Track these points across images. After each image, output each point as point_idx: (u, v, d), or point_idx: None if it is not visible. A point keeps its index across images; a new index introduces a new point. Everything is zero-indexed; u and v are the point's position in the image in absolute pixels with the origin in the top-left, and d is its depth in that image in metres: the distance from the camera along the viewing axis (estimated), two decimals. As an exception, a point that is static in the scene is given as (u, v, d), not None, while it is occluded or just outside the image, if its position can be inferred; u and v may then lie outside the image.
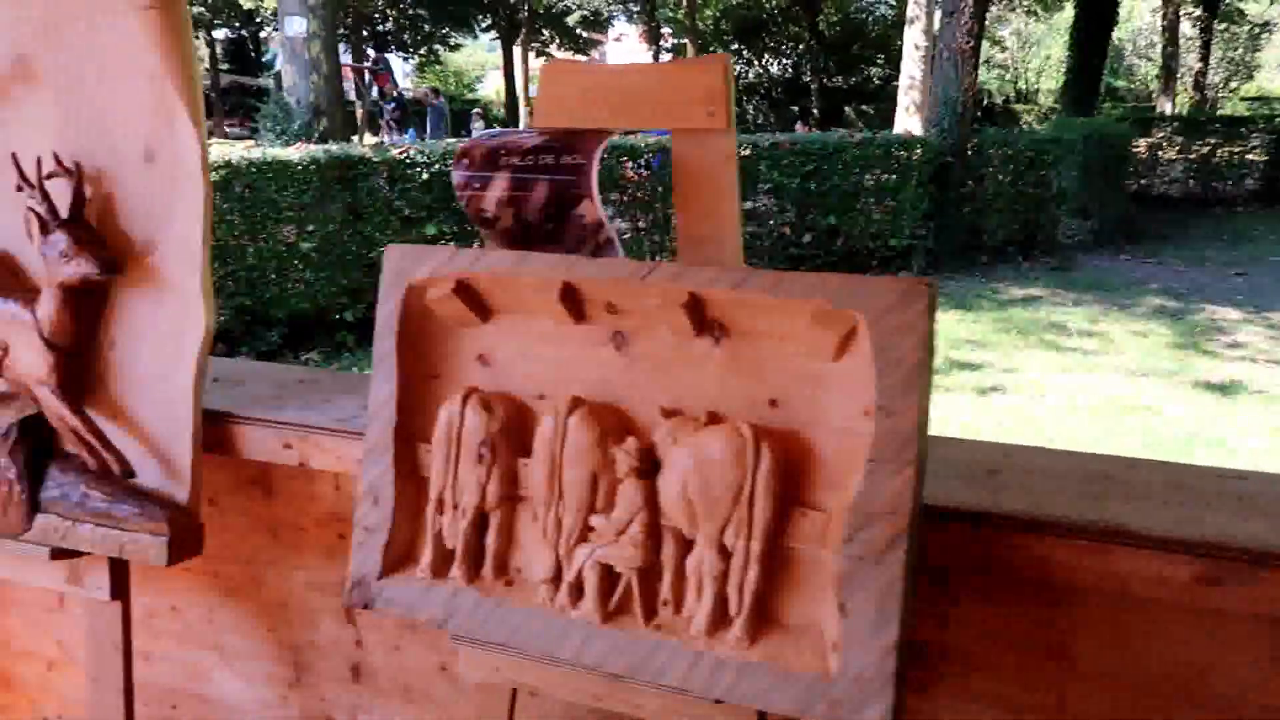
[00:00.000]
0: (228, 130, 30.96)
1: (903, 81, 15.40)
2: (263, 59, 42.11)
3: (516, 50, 40.59)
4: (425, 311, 1.41)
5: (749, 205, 9.33)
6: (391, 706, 1.84)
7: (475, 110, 29.23)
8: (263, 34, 39.46)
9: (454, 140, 8.73)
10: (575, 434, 1.29)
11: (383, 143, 14.38)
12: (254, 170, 7.24)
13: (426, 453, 1.41)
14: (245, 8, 31.57)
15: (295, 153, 7.20)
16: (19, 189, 1.67)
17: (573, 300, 1.32)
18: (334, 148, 7.62)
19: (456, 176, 1.36)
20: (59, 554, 1.67)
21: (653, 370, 1.31)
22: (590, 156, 1.27)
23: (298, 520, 1.81)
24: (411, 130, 21.09)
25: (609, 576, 1.28)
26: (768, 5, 40.21)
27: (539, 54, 44.38)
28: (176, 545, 1.60)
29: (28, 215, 1.62)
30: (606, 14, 43.12)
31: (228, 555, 1.89)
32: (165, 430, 1.65)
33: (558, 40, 45.24)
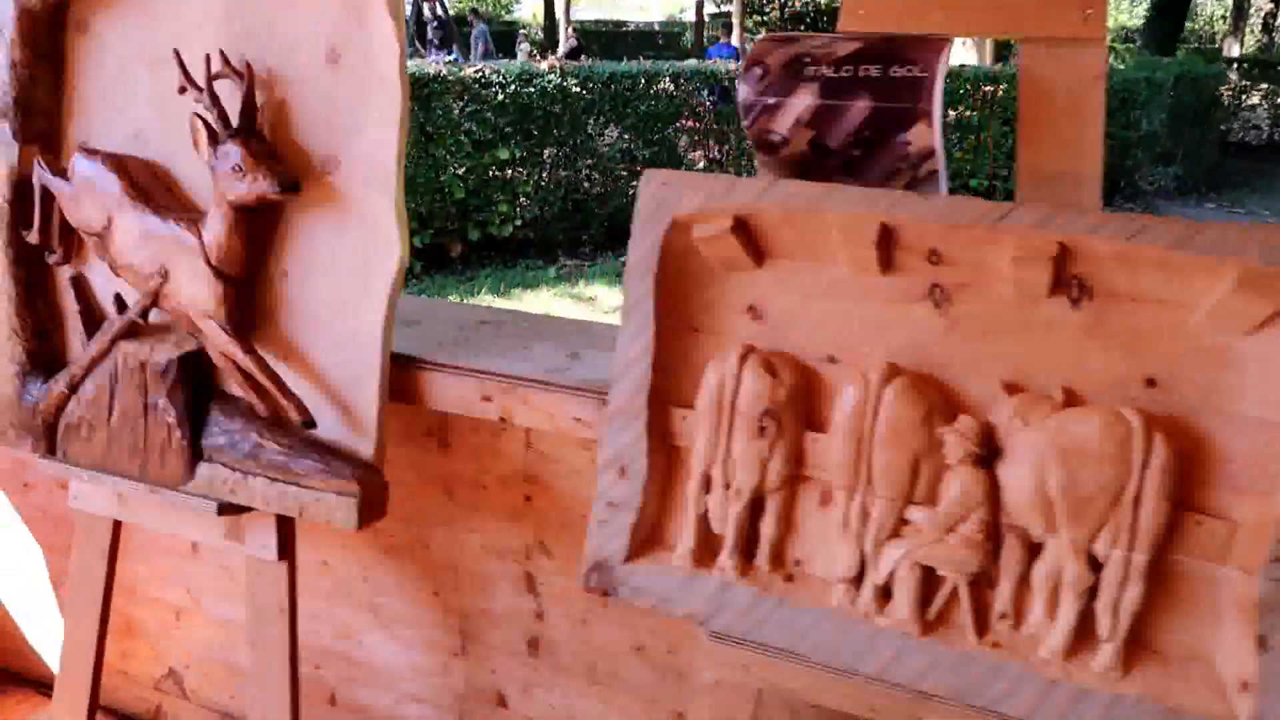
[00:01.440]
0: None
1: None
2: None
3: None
4: (687, 251, 1.18)
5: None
6: (572, 685, 1.66)
7: (521, 31, 28.51)
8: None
9: (526, 62, 8.30)
10: (892, 409, 1.06)
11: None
12: None
13: (683, 419, 1.20)
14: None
15: None
16: (181, 91, 1.45)
17: (885, 245, 1.08)
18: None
19: (745, 91, 1.12)
20: (226, 509, 1.49)
21: (983, 334, 1.07)
22: (932, 69, 1.03)
23: (478, 478, 1.61)
24: (455, 51, 20.61)
25: (928, 580, 1.07)
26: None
27: (581, -25, 43.18)
28: (366, 507, 1.41)
29: (194, 123, 1.40)
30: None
31: (391, 512, 1.70)
32: (347, 375, 1.44)
33: (601, -38, 43.94)
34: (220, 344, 1.45)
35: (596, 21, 46.17)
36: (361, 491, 1.39)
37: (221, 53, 1.43)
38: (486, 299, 6.82)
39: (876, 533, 1.08)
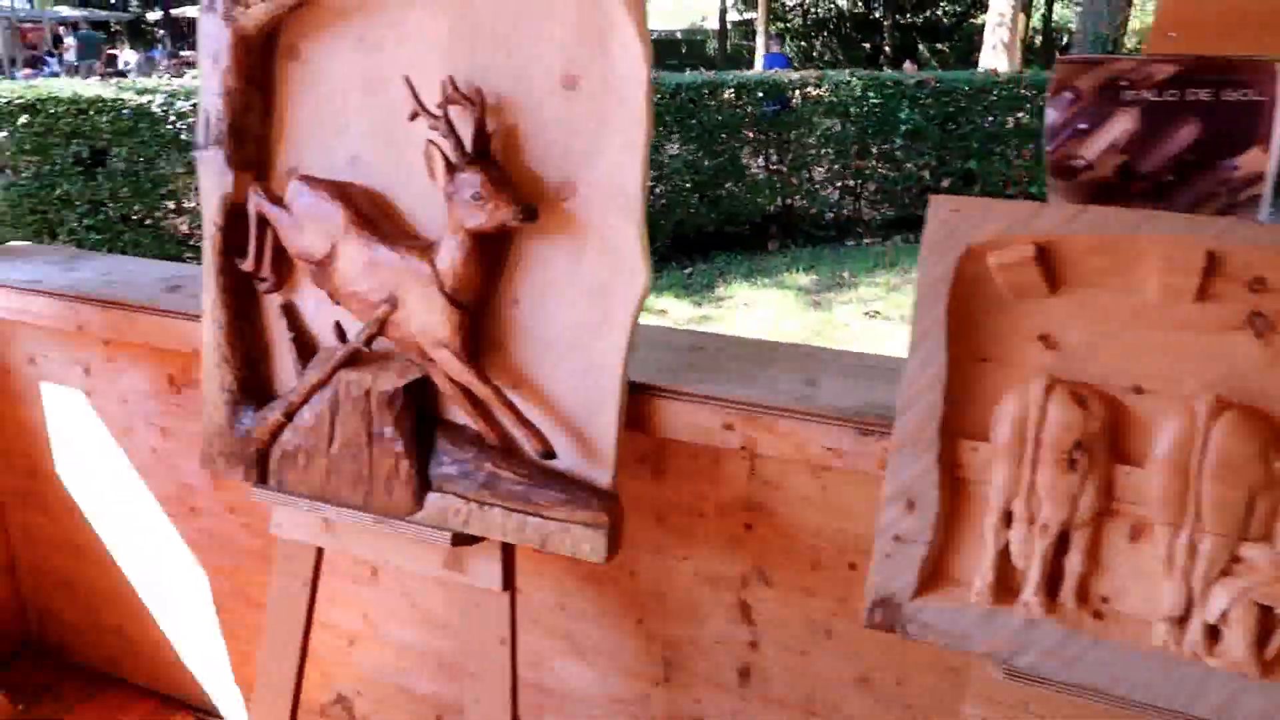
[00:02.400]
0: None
1: (990, 18, 14.75)
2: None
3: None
4: (978, 278, 1.15)
5: (885, 147, 8.86)
6: (785, 716, 1.63)
7: None
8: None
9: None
10: (1225, 442, 1.03)
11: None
12: None
13: (971, 451, 1.17)
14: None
15: None
16: (412, 117, 1.43)
17: (1208, 273, 1.05)
18: None
19: (1054, 115, 1.09)
20: (459, 540, 1.47)
21: (1312, 364, 1.04)
22: (1271, 91, 0.99)
23: (695, 505, 1.59)
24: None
25: (1266, 619, 1.03)
26: (840, -65, 39.02)
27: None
28: (613, 538, 1.39)
29: (429, 151, 1.39)
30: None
31: (595, 538, 1.68)
32: (583, 403, 1.43)
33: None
34: (454, 372, 1.43)
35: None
36: (610, 522, 1.37)
37: (451, 79, 1.42)
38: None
39: (1206, 570, 1.04)
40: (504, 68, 1.42)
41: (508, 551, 1.51)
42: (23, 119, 6.35)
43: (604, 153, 1.38)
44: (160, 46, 32.49)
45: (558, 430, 1.43)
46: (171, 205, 6.74)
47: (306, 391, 1.54)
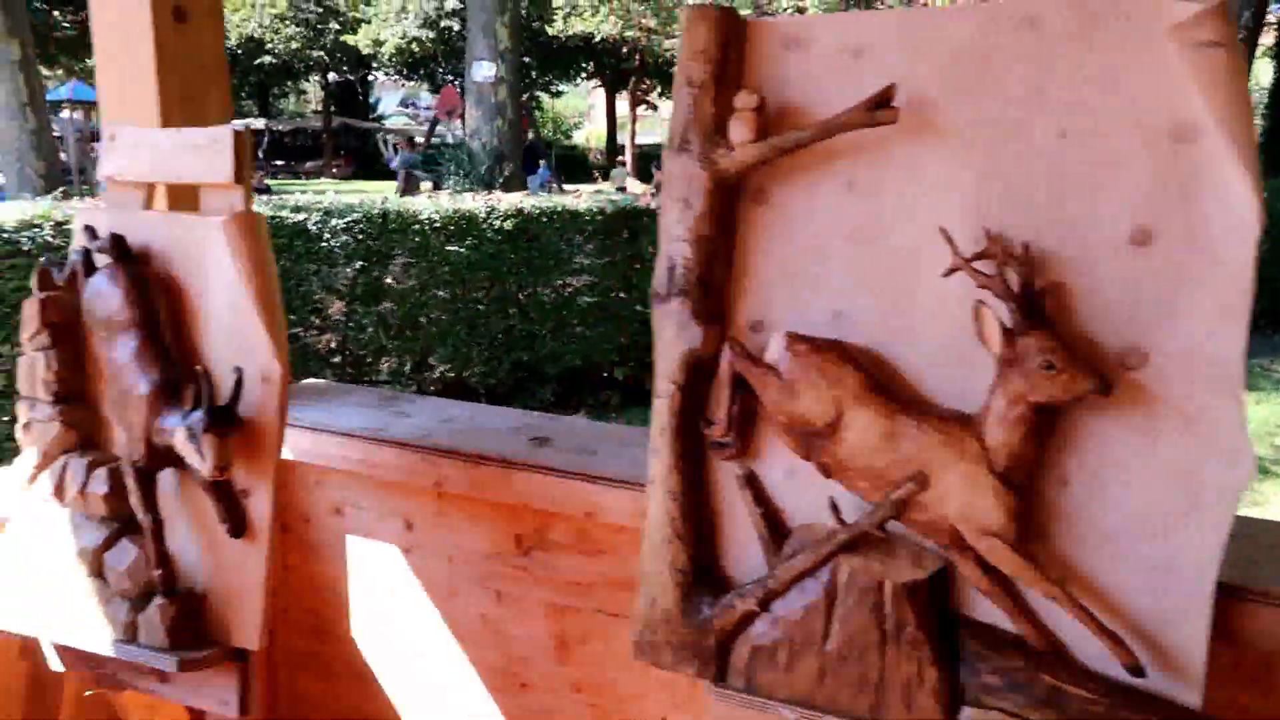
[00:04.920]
0: (334, 170, 32.82)
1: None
2: (370, 101, 43.85)
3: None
4: None
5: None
6: None
7: (620, 161, 29.38)
8: (371, 77, 40.83)
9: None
10: None
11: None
12: (544, 220, 6.98)
13: None
14: (361, 53, 32.62)
15: (582, 203, 6.92)
16: (949, 273, 1.28)
17: None
18: (618, 197, 7.35)
19: None
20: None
21: None
22: None
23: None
24: (543, 170, 21.42)
25: None
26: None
27: (638, 102, 44.88)
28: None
29: (981, 314, 1.23)
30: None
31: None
32: (1159, 606, 1.22)
33: (660, 89, 45.76)
34: (1004, 564, 1.23)
35: (656, 145, 47.60)
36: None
37: (995, 234, 1.27)
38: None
39: None
40: (1049, 221, 1.27)
41: (1041, 776, 1.28)
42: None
43: (1187, 317, 1.21)
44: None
45: (1123, 636, 1.22)
46: (316, 321, 6.65)
47: (791, 577, 1.35)
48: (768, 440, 1.42)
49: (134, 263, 1.61)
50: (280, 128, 37.88)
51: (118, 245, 1.60)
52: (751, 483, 1.43)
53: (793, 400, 1.35)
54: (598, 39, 39.29)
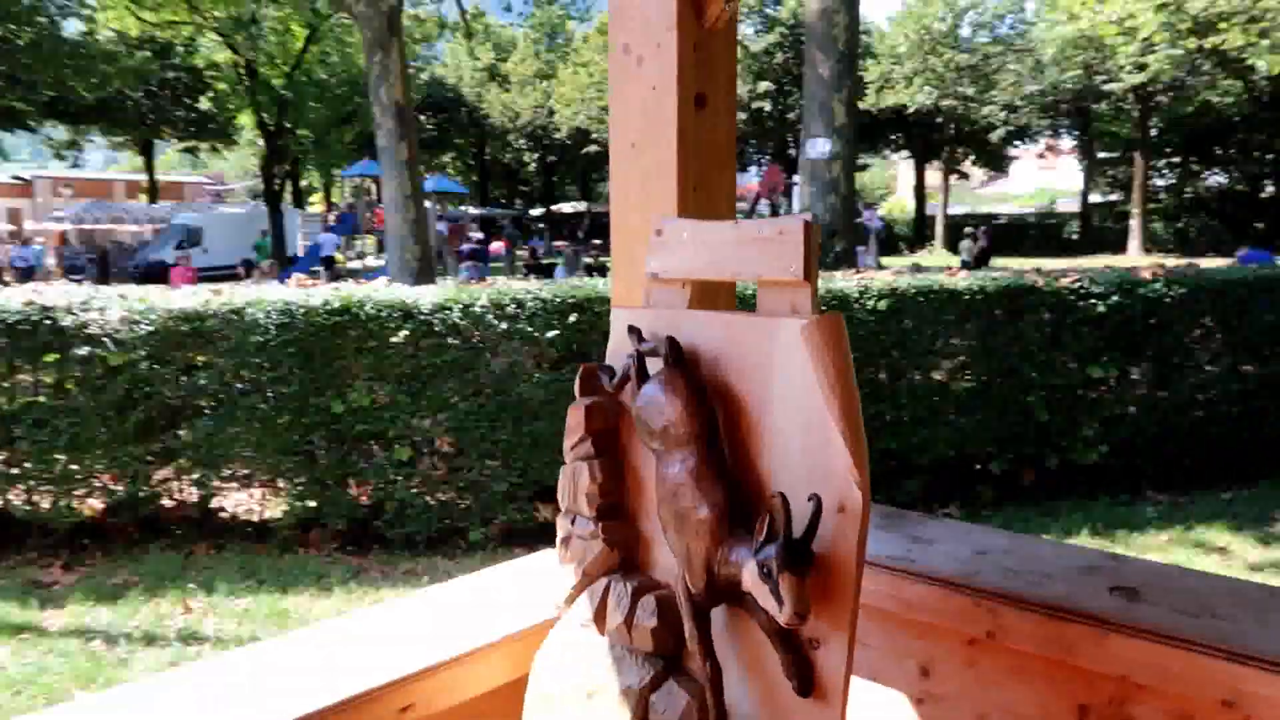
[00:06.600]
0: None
1: None
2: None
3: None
4: None
5: None
6: None
7: (968, 231, 28.49)
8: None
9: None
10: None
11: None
12: (920, 299, 6.50)
13: None
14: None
15: (962, 280, 6.49)
16: None
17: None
18: (999, 274, 6.85)
19: None
20: None
21: None
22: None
23: None
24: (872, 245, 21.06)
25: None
26: (1227, 112, 36.57)
27: (950, 171, 43.38)
28: None
29: None
30: (1034, 129, 41.25)
31: None
32: None
33: (973, 157, 44.03)
34: None
35: (966, 216, 45.75)
36: None
37: None
38: (1083, 539, 5.89)
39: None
40: None
41: None
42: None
43: None
44: (539, 237, 36.80)
45: None
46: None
47: None
48: None
49: (692, 369, 1.45)
50: (599, 209, 40.54)
51: (674, 350, 1.45)
52: None
53: None
54: (910, 110, 38.65)
